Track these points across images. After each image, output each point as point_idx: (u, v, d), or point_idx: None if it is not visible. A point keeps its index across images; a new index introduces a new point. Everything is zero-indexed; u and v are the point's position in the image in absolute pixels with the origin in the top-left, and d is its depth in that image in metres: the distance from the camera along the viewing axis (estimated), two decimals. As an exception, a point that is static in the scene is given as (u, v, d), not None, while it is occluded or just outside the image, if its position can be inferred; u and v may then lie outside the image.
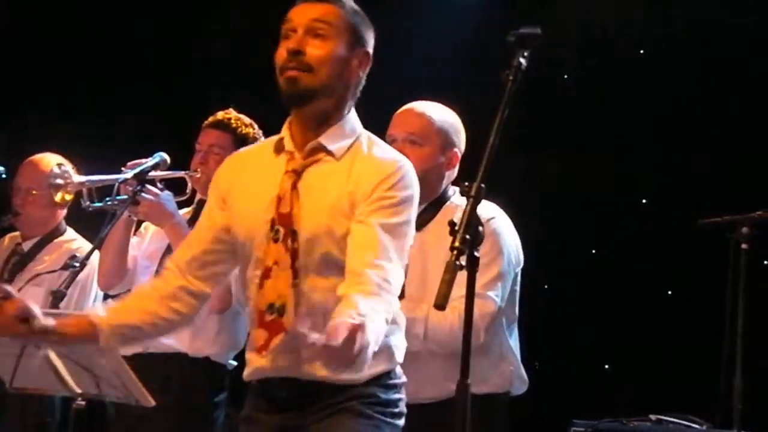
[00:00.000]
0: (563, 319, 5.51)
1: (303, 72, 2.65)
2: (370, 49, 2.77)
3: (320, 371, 2.58)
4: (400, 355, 2.74)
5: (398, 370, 2.75)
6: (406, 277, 3.24)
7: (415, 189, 2.70)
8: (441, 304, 2.35)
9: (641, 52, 5.67)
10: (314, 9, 2.68)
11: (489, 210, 3.40)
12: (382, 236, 2.57)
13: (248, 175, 2.78)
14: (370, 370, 2.60)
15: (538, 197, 5.47)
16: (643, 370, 5.35)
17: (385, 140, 3.58)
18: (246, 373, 2.76)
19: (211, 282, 2.80)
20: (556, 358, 5.47)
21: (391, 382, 2.71)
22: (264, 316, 2.62)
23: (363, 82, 2.78)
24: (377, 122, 3.73)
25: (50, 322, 2.68)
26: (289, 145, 2.72)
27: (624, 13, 5.50)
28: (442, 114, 3.56)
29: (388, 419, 2.68)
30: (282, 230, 2.63)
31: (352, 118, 2.77)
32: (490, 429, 3.34)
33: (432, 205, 3.51)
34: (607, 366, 5.65)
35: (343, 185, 2.64)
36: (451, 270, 2.36)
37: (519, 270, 3.55)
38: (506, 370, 3.52)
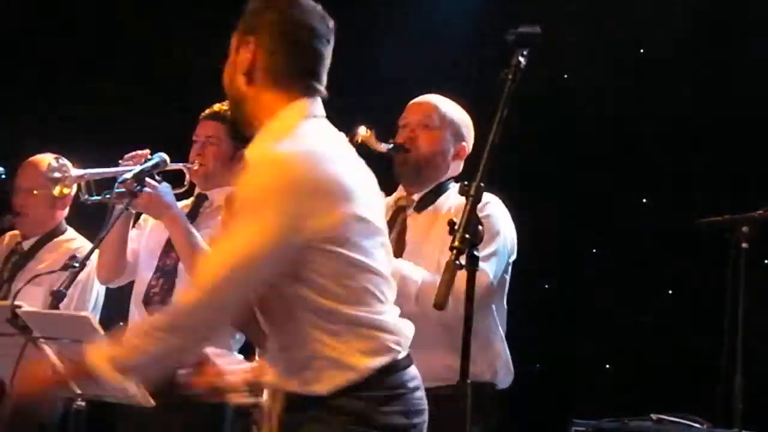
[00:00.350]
0: (563, 319, 5.51)
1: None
2: (267, 35, 2.54)
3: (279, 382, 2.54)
4: (363, 366, 2.49)
5: (385, 382, 2.52)
6: (403, 251, 3.39)
7: (266, 182, 2.38)
8: (440, 304, 2.35)
9: (641, 51, 5.67)
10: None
11: (484, 197, 3.41)
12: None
13: None
14: (326, 383, 2.47)
15: (537, 197, 5.46)
16: (643, 369, 5.35)
17: (391, 130, 3.64)
18: None
19: None
20: (556, 357, 5.47)
21: (365, 394, 2.49)
22: None
23: (279, 66, 2.53)
24: (379, 121, 3.74)
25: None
26: None
27: (624, 12, 5.50)
28: (454, 108, 3.66)
29: (355, 427, 2.47)
30: None
31: (283, 115, 2.52)
32: (479, 418, 3.33)
33: (432, 192, 3.60)
34: (608, 366, 5.65)
35: None
36: (450, 269, 2.36)
37: (512, 260, 3.58)
38: (493, 357, 3.53)
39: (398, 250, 3.45)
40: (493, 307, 3.55)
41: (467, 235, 2.39)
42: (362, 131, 3.43)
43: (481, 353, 3.46)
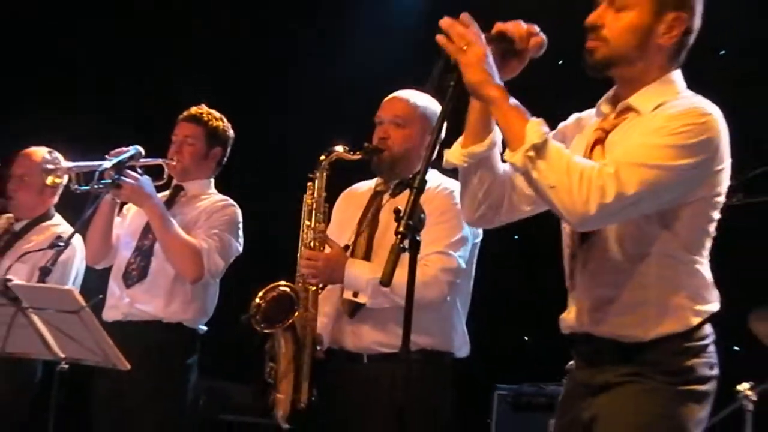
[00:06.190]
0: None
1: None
2: (692, 16, 2.73)
3: (602, 327, 2.65)
4: (693, 319, 2.58)
5: (701, 333, 2.59)
6: (377, 230, 3.80)
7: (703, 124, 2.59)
8: (386, 282, 2.53)
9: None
10: None
11: (436, 178, 3.76)
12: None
13: None
14: (655, 329, 2.57)
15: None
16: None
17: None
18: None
19: None
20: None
21: (687, 345, 2.56)
22: None
23: (682, 47, 2.75)
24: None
25: None
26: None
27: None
28: (424, 101, 3.94)
29: (680, 387, 2.55)
30: None
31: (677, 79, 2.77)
32: (433, 384, 3.71)
33: (406, 179, 3.83)
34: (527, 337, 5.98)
35: None
36: (395, 252, 2.54)
37: (477, 242, 3.85)
38: (450, 330, 3.83)
39: (373, 227, 3.85)
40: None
41: (411, 222, 2.56)
42: (339, 149, 3.82)
43: (436, 326, 3.78)
